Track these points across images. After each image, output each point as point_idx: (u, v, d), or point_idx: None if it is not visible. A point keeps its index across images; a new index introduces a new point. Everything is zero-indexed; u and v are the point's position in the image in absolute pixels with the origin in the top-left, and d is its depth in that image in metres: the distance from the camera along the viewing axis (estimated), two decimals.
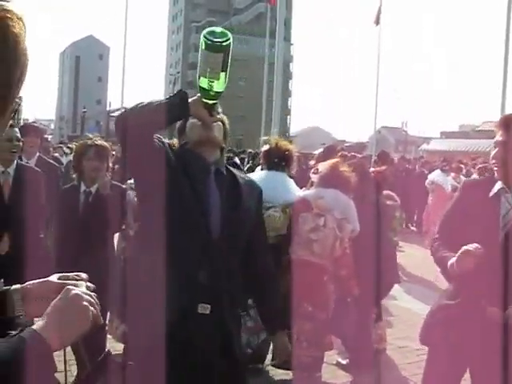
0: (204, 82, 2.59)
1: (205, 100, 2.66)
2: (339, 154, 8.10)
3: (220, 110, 2.93)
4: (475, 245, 3.00)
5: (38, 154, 6.69)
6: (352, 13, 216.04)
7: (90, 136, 5.09)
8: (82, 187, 4.94)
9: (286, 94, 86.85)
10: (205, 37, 2.51)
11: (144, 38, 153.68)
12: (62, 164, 10.93)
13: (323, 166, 5.43)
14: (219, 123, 2.93)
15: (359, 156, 8.56)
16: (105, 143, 5.05)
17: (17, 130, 4.94)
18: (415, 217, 18.02)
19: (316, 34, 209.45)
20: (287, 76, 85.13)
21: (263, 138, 5.59)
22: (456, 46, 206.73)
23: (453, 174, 14.95)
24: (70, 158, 14.84)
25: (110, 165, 5.24)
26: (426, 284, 9.20)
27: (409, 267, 10.80)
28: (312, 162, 11.89)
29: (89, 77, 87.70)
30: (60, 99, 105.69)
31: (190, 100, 2.64)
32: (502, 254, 3.05)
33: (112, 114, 71.34)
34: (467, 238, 3.14)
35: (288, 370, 5.25)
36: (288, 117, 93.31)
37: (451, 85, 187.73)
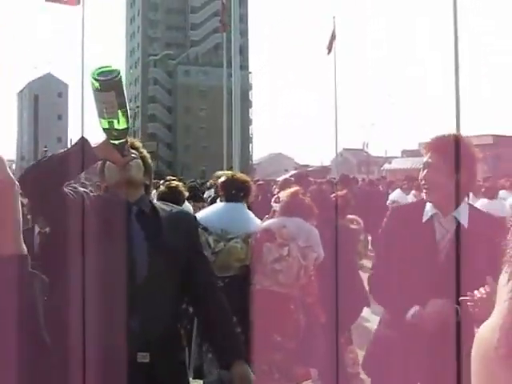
0: (104, 123, 2.50)
1: (112, 141, 2.58)
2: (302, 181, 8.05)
3: (139, 144, 2.92)
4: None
5: None
6: (309, 38, 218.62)
7: None
8: (37, 229, 4.80)
9: (247, 122, 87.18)
10: (93, 77, 2.41)
11: None
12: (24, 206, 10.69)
13: (284, 194, 5.44)
14: (137, 160, 2.84)
15: (319, 181, 8.57)
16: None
17: None
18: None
19: (274, 61, 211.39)
20: (247, 104, 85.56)
21: (217, 172, 5.58)
22: (410, 63, 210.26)
23: (414, 192, 15.04)
24: None
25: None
26: None
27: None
28: (276, 190, 11.89)
29: (48, 115, 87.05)
30: (20, 139, 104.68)
31: (96, 144, 2.57)
32: (440, 277, 3.04)
33: None
34: (403, 265, 3.16)
35: None
36: (250, 144, 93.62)
37: (409, 104, 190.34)
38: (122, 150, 2.63)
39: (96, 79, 2.40)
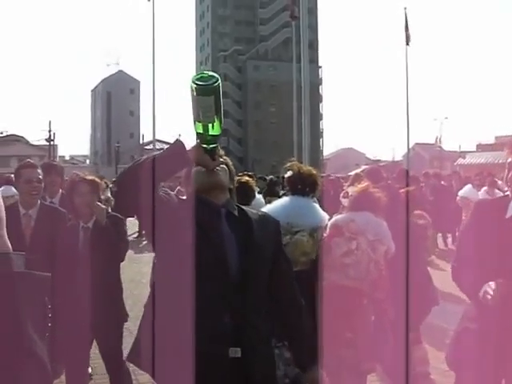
0: (199, 127, 2.55)
1: (204, 145, 2.63)
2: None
3: (222, 152, 2.88)
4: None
5: (60, 191, 6.62)
6: (381, 31, 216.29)
7: (78, 172, 5.03)
8: (80, 224, 4.85)
9: (317, 116, 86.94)
10: (193, 82, 2.47)
11: (173, 70, 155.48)
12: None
13: (353, 190, 5.38)
14: (223, 166, 2.88)
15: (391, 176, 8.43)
16: (95, 177, 5.00)
17: (38, 170, 4.93)
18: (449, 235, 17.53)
19: (344, 55, 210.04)
20: (317, 99, 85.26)
21: (286, 165, 5.56)
22: (489, 56, 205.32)
23: (486, 188, 14.63)
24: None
25: (102, 197, 5.14)
26: (460, 302, 8.99)
27: (448, 286, 10.54)
28: (346, 185, 11.79)
29: (121, 111, 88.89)
30: (93, 135, 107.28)
31: (189, 148, 2.62)
32: None
33: (146, 147, 72.15)
34: (487, 261, 3.16)
35: None
36: (320, 139, 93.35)
37: (485, 95, 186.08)
38: (212, 155, 2.69)
39: (197, 84, 2.46)
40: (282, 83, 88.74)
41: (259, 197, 6.68)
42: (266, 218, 3.07)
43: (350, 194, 5.36)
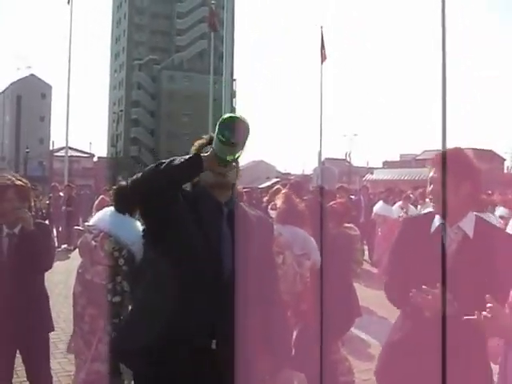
0: (222, 153, 2.64)
1: (221, 160, 2.67)
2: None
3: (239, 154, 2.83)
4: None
5: None
6: (296, 46, 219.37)
7: (8, 176, 4.80)
8: (5, 230, 4.64)
9: None
10: (223, 133, 2.58)
11: (86, 77, 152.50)
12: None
13: (280, 201, 5.45)
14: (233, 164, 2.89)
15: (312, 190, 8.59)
16: (24, 182, 4.78)
17: None
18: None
19: (259, 68, 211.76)
20: (231, 111, 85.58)
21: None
22: (395, 77, 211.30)
23: (400, 203, 15.20)
24: None
25: (32, 204, 4.93)
26: (379, 316, 9.25)
27: (362, 299, 10.83)
28: (265, 198, 11.93)
29: (31, 116, 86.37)
30: (1, 140, 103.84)
31: (204, 157, 2.66)
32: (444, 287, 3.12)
33: (56, 154, 70.40)
34: (413, 275, 3.27)
35: None
36: None
37: (392, 115, 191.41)
38: (227, 165, 2.74)
39: (227, 138, 2.59)
40: (196, 94, 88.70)
41: None
42: (262, 218, 3.15)
43: (277, 206, 5.43)
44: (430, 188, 3.40)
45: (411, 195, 16.79)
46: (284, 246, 5.08)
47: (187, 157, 2.68)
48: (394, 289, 3.54)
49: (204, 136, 3.20)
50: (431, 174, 3.39)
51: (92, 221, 5.77)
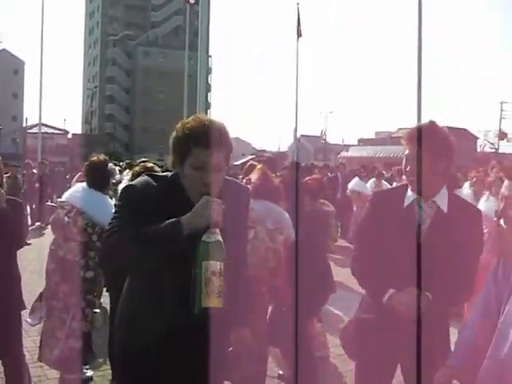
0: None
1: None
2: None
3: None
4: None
5: None
6: (272, 23, 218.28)
7: None
8: None
9: (206, 106, 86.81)
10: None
11: (60, 53, 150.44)
12: None
13: (254, 176, 5.42)
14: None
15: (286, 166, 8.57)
16: None
17: None
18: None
19: (234, 45, 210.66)
20: (206, 88, 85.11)
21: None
22: (371, 54, 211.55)
23: (373, 180, 15.34)
24: None
25: (5, 179, 4.80)
26: (353, 291, 9.29)
27: (340, 275, 10.87)
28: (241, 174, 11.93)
29: (3, 93, 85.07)
30: None
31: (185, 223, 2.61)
32: (417, 262, 3.15)
33: (29, 131, 69.59)
34: (385, 248, 3.31)
35: None
36: None
37: (368, 92, 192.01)
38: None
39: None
40: (171, 71, 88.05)
41: None
42: (238, 188, 3.16)
43: (252, 181, 5.40)
44: (405, 164, 3.39)
45: (384, 172, 16.92)
46: (256, 220, 5.05)
47: (169, 230, 2.61)
48: (360, 263, 3.57)
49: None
50: (406, 152, 3.38)
51: (64, 197, 5.71)
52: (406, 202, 3.40)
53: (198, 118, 2.81)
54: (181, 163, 2.78)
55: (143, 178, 2.89)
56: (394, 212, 3.40)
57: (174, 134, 2.83)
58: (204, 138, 2.69)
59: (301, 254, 5.14)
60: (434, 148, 3.27)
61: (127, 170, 10.82)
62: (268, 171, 5.53)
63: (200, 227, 2.59)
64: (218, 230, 2.60)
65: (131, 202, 2.77)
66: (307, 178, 6.64)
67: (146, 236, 2.61)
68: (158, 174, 3.01)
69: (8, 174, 16.05)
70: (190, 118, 2.85)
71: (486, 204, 6.87)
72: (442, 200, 3.38)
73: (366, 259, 3.48)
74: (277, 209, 5.25)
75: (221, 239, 2.60)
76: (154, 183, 2.81)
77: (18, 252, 4.78)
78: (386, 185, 15.03)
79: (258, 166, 5.73)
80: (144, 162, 6.79)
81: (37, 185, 18.45)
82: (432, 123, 3.42)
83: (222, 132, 2.78)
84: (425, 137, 3.29)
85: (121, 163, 18.14)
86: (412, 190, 3.40)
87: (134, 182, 2.90)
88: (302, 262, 5.09)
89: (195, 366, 2.80)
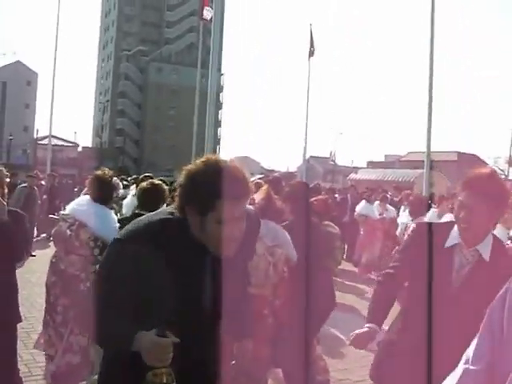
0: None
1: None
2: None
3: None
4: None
5: None
6: (283, 43, 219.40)
7: None
8: None
9: (216, 123, 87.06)
10: None
11: (73, 65, 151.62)
12: None
13: (258, 197, 5.40)
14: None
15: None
16: None
17: None
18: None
19: (246, 64, 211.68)
20: (217, 106, 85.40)
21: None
22: (382, 77, 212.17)
23: (378, 202, 15.28)
24: None
25: (6, 191, 4.74)
26: (357, 314, 9.20)
27: (339, 298, 10.79)
28: None
29: (15, 103, 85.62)
30: None
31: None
32: (453, 307, 3.15)
33: (40, 142, 69.95)
34: (416, 284, 3.31)
35: None
36: (218, 146, 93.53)
37: (378, 115, 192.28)
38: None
39: None
40: (183, 87, 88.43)
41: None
42: (250, 214, 3.04)
43: (256, 201, 5.37)
44: (460, 213, 3.26)
45: (388, 195, 16.84)
46: None
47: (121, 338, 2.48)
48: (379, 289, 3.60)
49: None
50: (462, 198, 3.26)
51: (67, 209, 5.70)
52: (449, 243, 3.33)
53: (211, 164, 2.55)
54: (199, 214, 2.52)
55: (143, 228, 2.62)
56: (434, 248, 3.34)
57: (185, 180, 2.57)
58: (229, 189, 2.45)
59: (303, 273, 5.09)
60: (491, 199, 3.16)
61: (134, 185, 10.82)
62: (272, 192, 5.49)
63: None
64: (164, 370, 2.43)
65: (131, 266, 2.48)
66: (313, 199, 6.60)
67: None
68: (163, 218, 2.68)
69: (25, 185, 16.21)
70: (200, 165, 2.56)
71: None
72: (486, 248, 3.29)
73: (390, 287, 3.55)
74: (276, 227, 5.23)
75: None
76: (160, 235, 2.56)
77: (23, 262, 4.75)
78: (390, 209, 14.97)
79: (264, 187, 5.69)
80: (148, 176, 6.74)
81: (45, 196, 18.46)
82: (491, 170, 3.35)
83: (242, 179, 2.53)
84: (482, 186, 3.18)
85: (129, 178, 18.16)
86: (464, 240, 3.30)
87: (131, 236, 2.59)
88: (304, 281, 5.04)
89: None
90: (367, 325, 3.40)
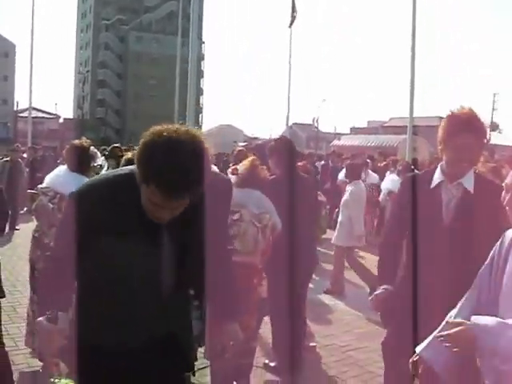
0: None
1: None
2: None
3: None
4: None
5: None
6: (265, 10, 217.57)
7: None
8: None
9: (198, 92, 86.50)
10: None
11: (52, 36, 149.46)
12: None
13: (242, 167, 5.35)
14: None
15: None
16: None
17: None
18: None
19: (227, 31, 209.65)
20: (199, 74, 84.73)
21: None
22: (365, 44, 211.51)
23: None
24: None
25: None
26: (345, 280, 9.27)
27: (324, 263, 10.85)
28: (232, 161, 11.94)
29: None
30: None
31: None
32: (448, 240, 3.34)
33: (20, 115, 69.21)
34: (414, 228, 3.46)
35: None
36: (200, 115, 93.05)
37: (360, 81, 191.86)
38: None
39: None
40: (163, 56, 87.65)
41: None
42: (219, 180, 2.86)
43: (238, 171, 5.33)
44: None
45: (368, 161, 16.82)
46: (239, 205, 5.00)
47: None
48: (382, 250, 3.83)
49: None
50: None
51: (45, 182, 5.61)
52: (433, 184, 3.53)
53: (162, 143, 2.29)
54: (139, 181, 2.38)
55: (96, 182, 2.64)
56: (421, 193, 3.54)
57: (140, 145, 2.37)
58: (164, 181, 2.25)
59: (289, 227, 5.17)
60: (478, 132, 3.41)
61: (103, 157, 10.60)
62: (257, 163, 5.44)
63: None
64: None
65: (77, 217, 2.47)
66: (299, 164, 6.61)
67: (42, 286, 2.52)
68: (115, 174, 2.65)
69: (7, 159, 16.06)
70: (155, 136, 2.33)
71: None
72: (469, 181, 3.48)
73: (389, 247, 3.76)
74: (260, 196, 5.18)
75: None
76: (107, 190, 2.52)
77: (6, 237, 4.70)
78: (373, 175, 14.99)
79: (249, 158, 5.65)
80: (117, 147, 6.67)
81: (27, 169, 18.30)
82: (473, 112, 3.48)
83: (184, 173, 2.24)
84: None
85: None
86: (443, 173, 3.52)
87: (83, 190, 2.58)
88: (290, 235, 5.17)
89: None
90: (383, 286, 3.55)
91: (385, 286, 3.61)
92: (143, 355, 2.59)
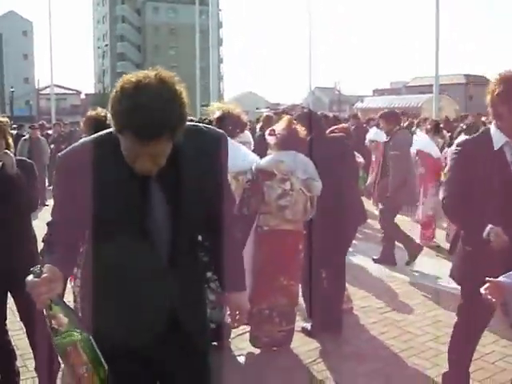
0: None
1: None
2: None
3: None
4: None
5: None
6: None
7: None
8: None
9: (218, 60, 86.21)
10: None
11: (68, 12, 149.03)
12: None
13: (280, 127, 5.28)
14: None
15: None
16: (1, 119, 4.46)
17: None
18: None
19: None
20: (218, 42, 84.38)
21: (213, 104, 5.48)
22: (387, 4, 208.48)
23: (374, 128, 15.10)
24: None
25: (10, 141, 4.64)
26: (378, 243, 9.20)
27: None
28: (259, 125, 11.89)
29: (14, 55, 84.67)
30: None
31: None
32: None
33: (42, 92, 69.53)
34: (481, 188, 3.50)
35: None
36: (221, 83, 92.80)
37: (382, 43, 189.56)
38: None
39: None
40: (181, 26, 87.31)
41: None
42: (204, 142, 2.59)
43: (276, 132, 5.26)
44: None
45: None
46: (288, 172, 4.97)
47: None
48: (454, 202, 3.72)
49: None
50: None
51: None
52: (497, 146, 3.55)
53: (142, 90, 2.22)
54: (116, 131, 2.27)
55: (78, 144, 2.56)
56: (484, 154, 3.55)
57: (114, 94, 2.29)
58: (136, 126, 2.15)
59: (328, 198, 5.14)
60: None
61: None
62: (294, 123, 5.38)
63: None
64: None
65: (65, 179, 2.44)
66: (333, 128, 6.52)
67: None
68: (97, 135, 2.53)
69: (26, 137, 16.13)
70: (130, 80, 2.29)
71: None
72: None
73: (460, 199, 3.67)
74: (304, 159, 5.13)
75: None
76: (92, 151, 2.41)
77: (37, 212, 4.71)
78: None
79: (285, 117, 5.58)
80: None
81: (52, 146, 18.40)
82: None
83: (156, 118, 2.15)
84: None
85: None
86: (506, 134, 3.54)
87: (68, 152, 2.51)
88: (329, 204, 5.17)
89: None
90: (489, 226, 3.41)
91: (491, 226, 3.43)
92: (151, 335, 2.45)
